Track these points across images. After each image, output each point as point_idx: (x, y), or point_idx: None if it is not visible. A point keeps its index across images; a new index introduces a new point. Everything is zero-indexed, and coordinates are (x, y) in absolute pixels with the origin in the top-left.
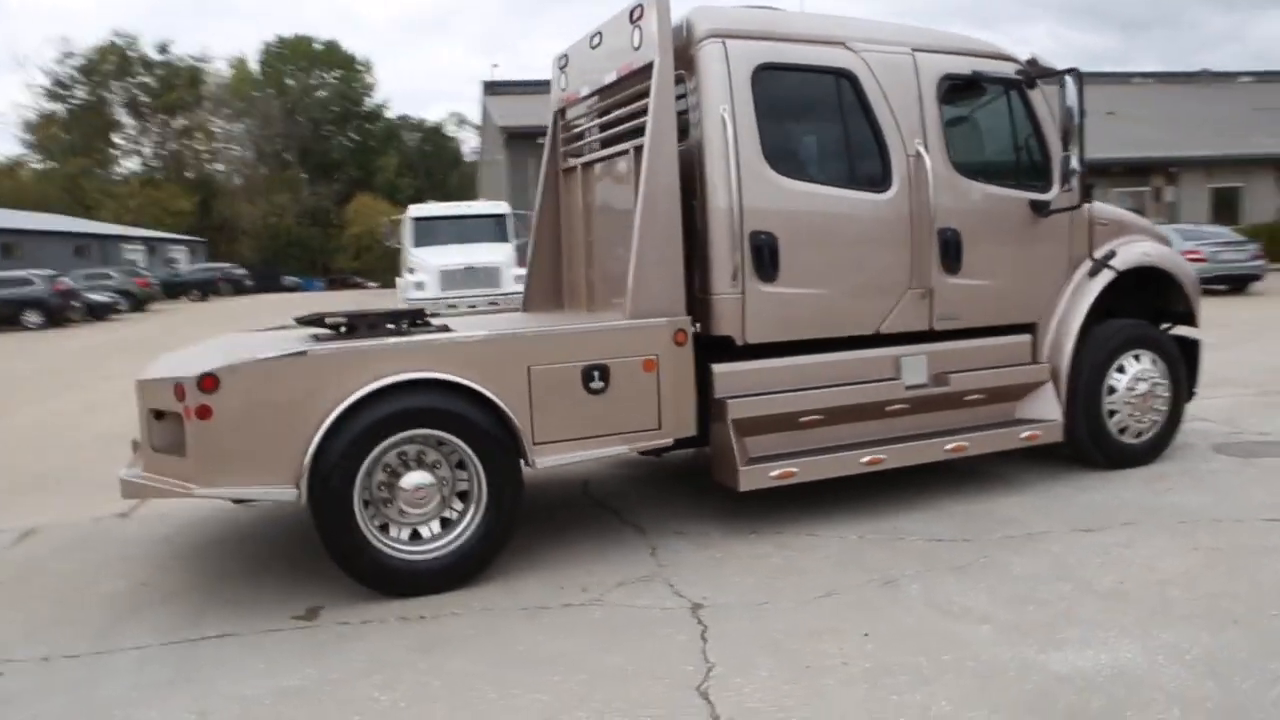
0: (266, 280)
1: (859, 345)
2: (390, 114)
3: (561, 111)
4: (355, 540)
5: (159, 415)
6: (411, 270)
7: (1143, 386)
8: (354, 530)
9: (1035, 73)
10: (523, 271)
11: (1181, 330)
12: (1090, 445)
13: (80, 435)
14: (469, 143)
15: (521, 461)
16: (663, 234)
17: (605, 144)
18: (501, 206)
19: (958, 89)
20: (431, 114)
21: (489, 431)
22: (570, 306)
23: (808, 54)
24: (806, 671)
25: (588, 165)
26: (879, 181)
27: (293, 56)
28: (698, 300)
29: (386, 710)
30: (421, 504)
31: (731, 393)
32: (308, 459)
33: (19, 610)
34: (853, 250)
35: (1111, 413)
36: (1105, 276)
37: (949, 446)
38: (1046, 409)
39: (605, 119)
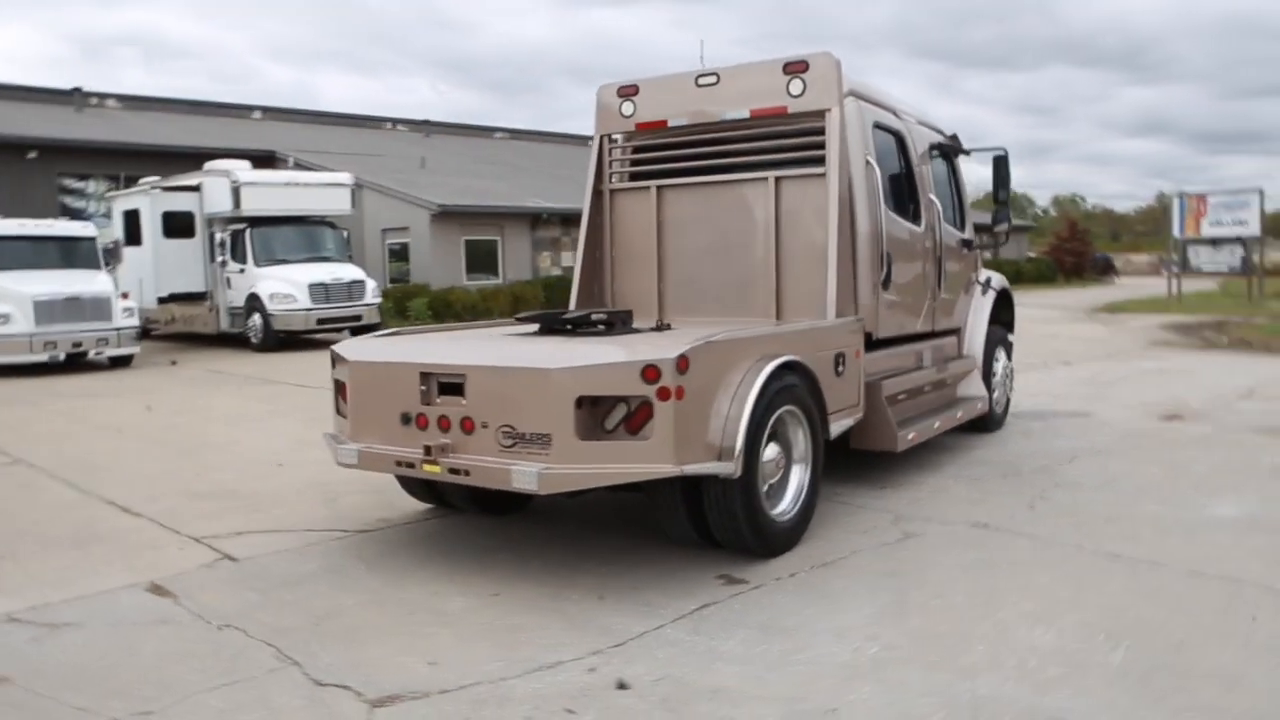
0: None
1: (894, 344)
2: None
3: (608, 135)
4: (760, 508)
5: (579, 403)
6: None
7: (1006, 372)
8: (759, 499)
9: (966, 147)
10: (130, 304)
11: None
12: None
13: None
14: None
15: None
16: (844, 252)
17: (717, 170)
18: (88, 228)
19: (932, 153)
20: None
21: (816, 406)
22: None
23: (884, 117)
24: (1139, 534)
25: (665, 188)
26: (917, 218)
27: None
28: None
29: (970, 604)
30: (774, 474)
31: (870, 376)
32: (742, 432)
33: (427, 641)
34: (913, 267)
35: (993, 390)
36: (991, 295)
37: (959, 415)
38: (978, 389)
39: (721, 148)
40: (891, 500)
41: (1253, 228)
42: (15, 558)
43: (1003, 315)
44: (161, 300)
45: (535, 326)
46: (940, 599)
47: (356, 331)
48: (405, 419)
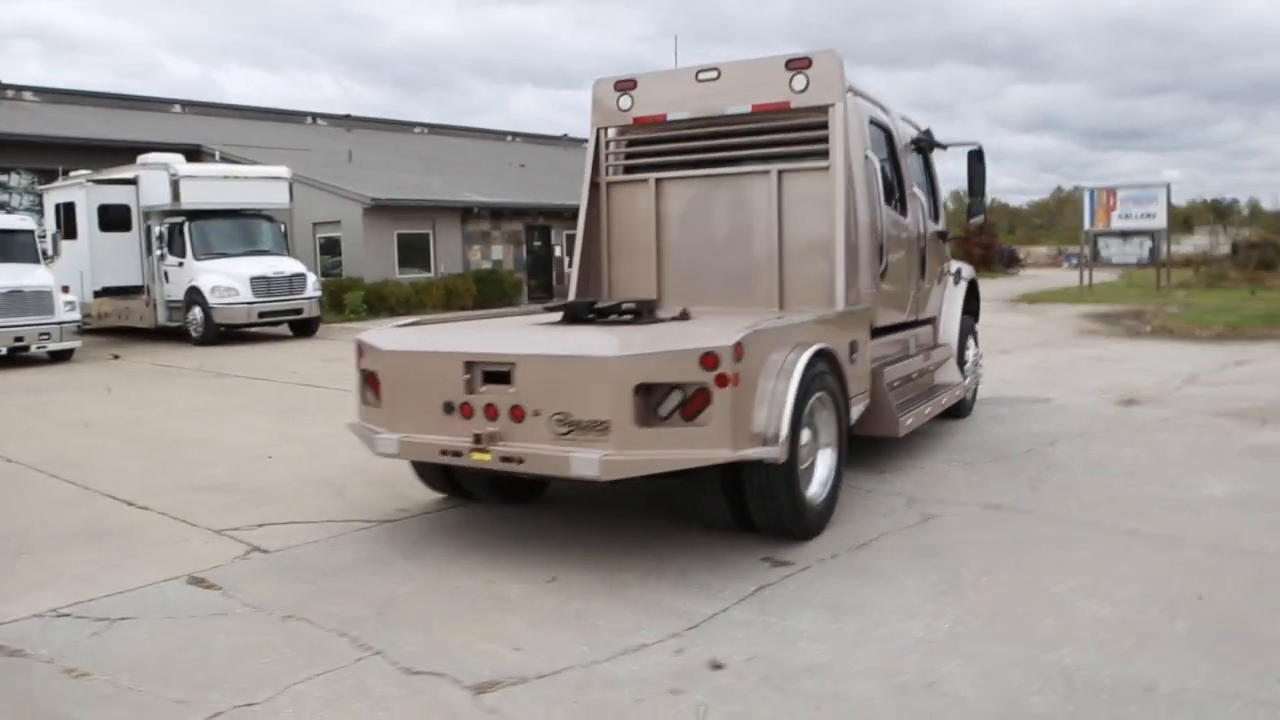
0: None
1: (887, 333)
2: None
3: (603, 129)
4: (800, 492)
5: (637, 390)
6: None
7: (977, 359)
8: (799, 483)
9: (942, 143)
10: (72, 298)
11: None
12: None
13: None
14: None
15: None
16: (851, 244)
17: (718, 163)
18: (27, 221)
19: (910, 147)
20: None
21: (841, 392)
22: None
23: (876, 113)
24: (1148, 513)
25: (664, 180)
26: (904, 211)
27: None
28: None
29: (1018, 581)
30: (807, 459)
31: (873, 363)
32: (787, 417)
33: (499, 628)
34: (902, 258)
35: (966, 376)
36: (963, 285)
37: (943, 401)
38: (955, 375)
39: (720, 142)
40: (896, 484)
41: (1160, 220)
42: (33, 553)
43: (971, 305)
44: (96, 294)
45: (558, 315)
46: (988, 576)
47: (296, 325)
48: (448, 408)
